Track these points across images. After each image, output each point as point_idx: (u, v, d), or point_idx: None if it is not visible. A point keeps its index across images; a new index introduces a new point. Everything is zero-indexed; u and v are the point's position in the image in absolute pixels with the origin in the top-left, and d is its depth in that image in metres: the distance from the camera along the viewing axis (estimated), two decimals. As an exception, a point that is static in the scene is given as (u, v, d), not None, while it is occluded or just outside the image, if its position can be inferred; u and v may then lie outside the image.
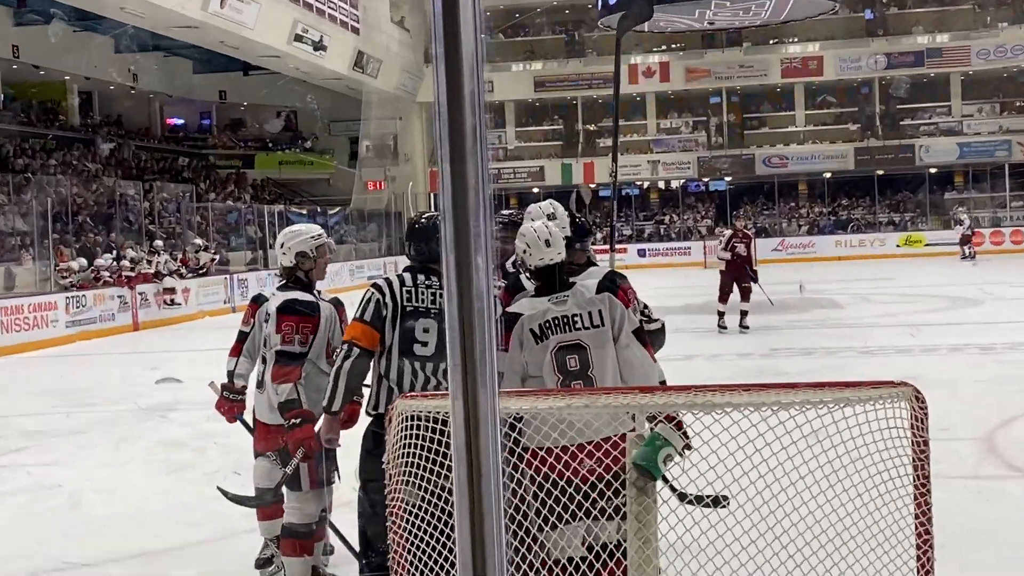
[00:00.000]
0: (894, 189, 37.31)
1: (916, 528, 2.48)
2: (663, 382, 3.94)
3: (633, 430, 3.24)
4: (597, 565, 3.20)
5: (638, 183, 38.75)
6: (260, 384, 4.80)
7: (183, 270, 22.25)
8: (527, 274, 3.95)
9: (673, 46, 37.61)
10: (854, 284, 22.61)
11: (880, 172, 36.72)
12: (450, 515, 2.66)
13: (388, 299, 4.03)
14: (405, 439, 2.84)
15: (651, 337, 4.18)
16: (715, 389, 2.61)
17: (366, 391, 4.25)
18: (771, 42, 36.91)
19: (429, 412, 2.81)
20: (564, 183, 36.41)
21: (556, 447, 3.18)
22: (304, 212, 31.81)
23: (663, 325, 4.67)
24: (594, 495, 3.09)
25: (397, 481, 2.82)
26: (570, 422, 3.05)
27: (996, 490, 6.13)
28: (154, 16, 23.62)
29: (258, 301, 5.04)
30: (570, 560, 3.15)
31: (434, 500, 2.79)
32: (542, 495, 3.20)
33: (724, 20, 16.10)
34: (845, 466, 2.55)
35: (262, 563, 5.13)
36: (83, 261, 20.31)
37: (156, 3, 22.64)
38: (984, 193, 36.67)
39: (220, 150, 37.09)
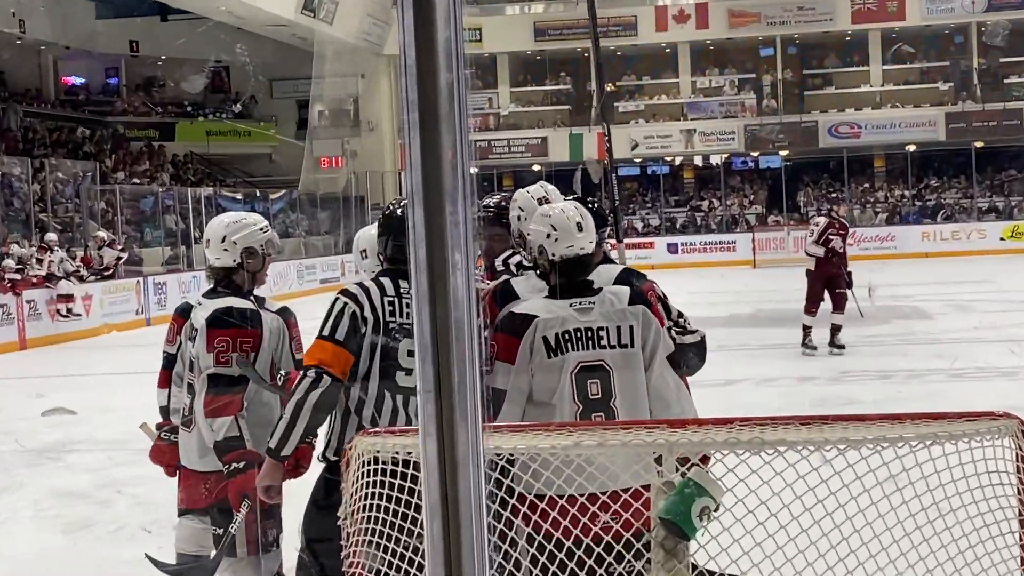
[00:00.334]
0: (996, 166, 37.39)
1: (1023, 600, 2.48)
2: (696, 422, 3.95)
3: (660, 476, 3.24)
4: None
5: (668, 159, 38.82)
6: (187, 420, 4.80)
7: (83, 271, 22.23)
8: (538, 271, 3.96)
9: (712, -17, 37.78)
10: (945, 288, 22.65)
11: (979, 144, 36.79)
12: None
13: (367, 312, 4.04)
14: (366, 488, 2.83)
15: (687, 353, 4.20)
16: (765, 423, 2.61)
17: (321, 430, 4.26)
18: (838, -23, 37.11)
19: (397, 453, 2.81)
20: (573, 159, 36.51)
21: (561, 497, 3.18)
22: (239, 197, 31.83)
23: (703, 338, 4.69)
24: (609, 559, 3.09)
25: (356, 541, 2.81)
26: (579, 466, 3.04)
27: None
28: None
29: (184, 313, 5.03)
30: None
31: (403, 565, 2.79)
32: (542, 559, 3.20)
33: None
34: (932, 521, 2.55)
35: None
36: (-47, 260, 20.30)
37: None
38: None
39: (131, 117, 37.11)
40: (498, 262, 4.83)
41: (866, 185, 38.08)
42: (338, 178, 36.47)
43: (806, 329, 14.19)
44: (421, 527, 1.09)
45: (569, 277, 3.87)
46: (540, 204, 4.35)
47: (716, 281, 26.50)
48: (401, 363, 4.04)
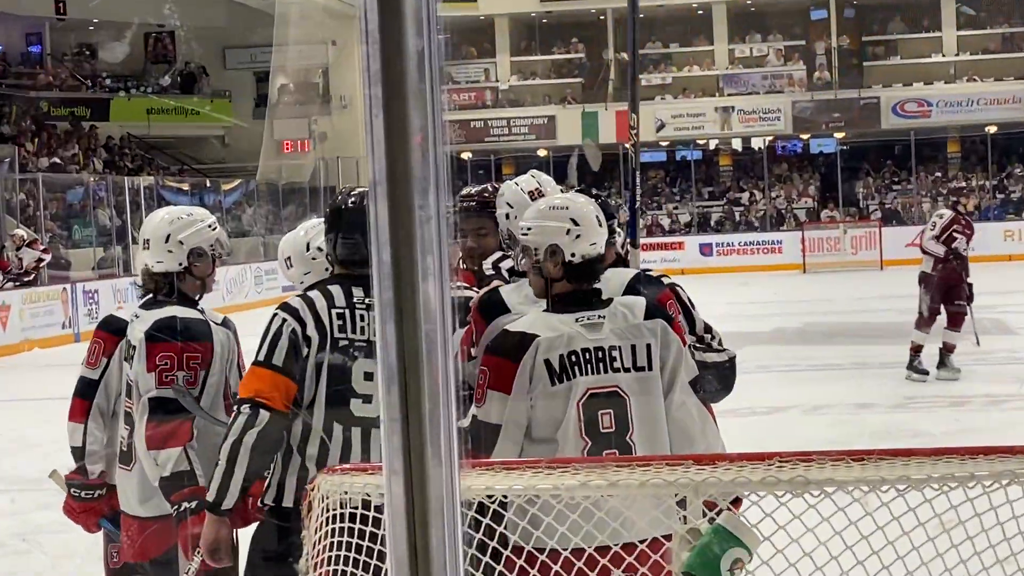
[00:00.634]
0: (1095, 151, 37.41)
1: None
2: (723, 454, 3.94)
3: (684, 522, 3.24)
4: None
5: (700, 142, 38.85)
6: (125, 456, 4.79)
7: (-2, 277, 22.24)
8: (546, 273, 3.92)
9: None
10: (1033, 297, 22.61)
11: (1074, 125, 36.80)
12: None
13: (311, 329, 4.03)
14: (332, 536, 2.84)
15: (705, 376, 4.20)
16: (810, 458, 2.61)
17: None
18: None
19: (369, 495, 2.81)
20: (586, 139, 36.42)
21: (565, 549, 3.18)
22: (186, 187, 31.86)
23: (732, 360, 4.69)
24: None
25: (320, 600, 2.82)
26: (587, 511, 3.04)
27: None
28: None
29: (111, 328, 5.03)
30: None
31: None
32: (543, 623, 3.20)
33: None
34: (1011, 575, 2.55)
35: None
36: None
37: None
38: None
39: (56, 92, 37.11)
40: (487, 265, 4.82)
41: (937, 174, 38.07)
42: (304, 165, 36.49)
43: (916, 348, 13.63)
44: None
45: (581, 284, 3.87)
46: (533, 199, 4.33)
47: (758, 289, 26.50)
48: (356, 388, 4.03)
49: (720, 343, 4.70)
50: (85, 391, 4.99)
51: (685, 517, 3.12)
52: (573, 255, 3.85)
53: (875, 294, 23.71)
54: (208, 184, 33.30)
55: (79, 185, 29.97)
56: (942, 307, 13.68)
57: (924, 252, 13.90)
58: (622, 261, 4.61)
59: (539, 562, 3.22)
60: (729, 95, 38.29)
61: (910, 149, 36.97)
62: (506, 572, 3.14)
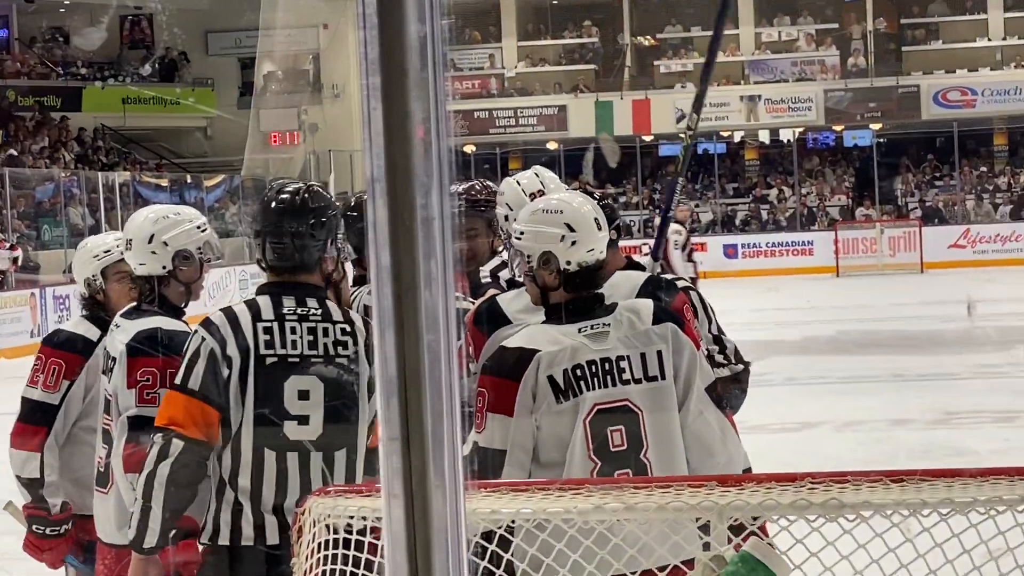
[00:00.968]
0: None
1: None
2: (747, 472, 3.93)
3: (706, 548, 3.24)
4: None
5: (724, 134, 38.82)
6: (102, 477, 4.80)
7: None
8: (540, 281, 3.91)
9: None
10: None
11: None
12: None
13: (231, 347, 4.00)
14: (325, 563, 2.84)
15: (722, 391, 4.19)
16: (844, 479, 2.61)
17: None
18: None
19: (365, 519, 2.81)
20: (600, 133, 36.43)
21: (578, 578, 3.18)
22: (165, 184, 31.86)
23: (744, 372, 4.69)
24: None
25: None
26: (601, 536, 3.04)
27: None
28: None
29: (73, 347, 5.05)
30: None
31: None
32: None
33: None
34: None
35: None
36: None
37: None
38: None
39: (24, 80, 37.15)
40: (484, 272, 4.82)
41: (983, 169, 38.05)
42: (293, 159, 36.50)
43: None
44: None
45: (579, 291, 3.85)
46: (534, 200, 4.31)
47: (787, 294, 26.45)
48: (290, 409, 3.99)
49: (730, 355, 4.70)
50: (40, 417, 5.02)
51: (708, 543, 3.11)
52: (569, 263, 3.83)
53: (914, 300, 23.70)
54: (189, 180, 33.32)
55: (48, 181, 29.98)
56: None
57: None
58: (634, 266, 4.58)
59: (550, 592, 3.22)
60: (756, 83, 38.29)
61: (953, 142, 36.91)
62: (513, 603, 3.14)
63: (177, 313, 4.75)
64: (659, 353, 3.82)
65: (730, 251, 34.89)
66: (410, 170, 1.06)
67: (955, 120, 36.87)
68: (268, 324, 4.02)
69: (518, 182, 4.63)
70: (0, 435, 5.57)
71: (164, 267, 4.71)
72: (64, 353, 5.06)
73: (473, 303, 4.38)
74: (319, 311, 4.04)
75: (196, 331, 4.08)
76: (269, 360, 4.00)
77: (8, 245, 24.48)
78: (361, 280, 4.96)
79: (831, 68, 38.35)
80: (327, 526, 2.83)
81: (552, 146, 36.43)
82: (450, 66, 1.10)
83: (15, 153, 31.71)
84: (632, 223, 36.68)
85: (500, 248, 4.94)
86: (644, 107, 37.54)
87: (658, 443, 3.78)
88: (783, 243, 35.27)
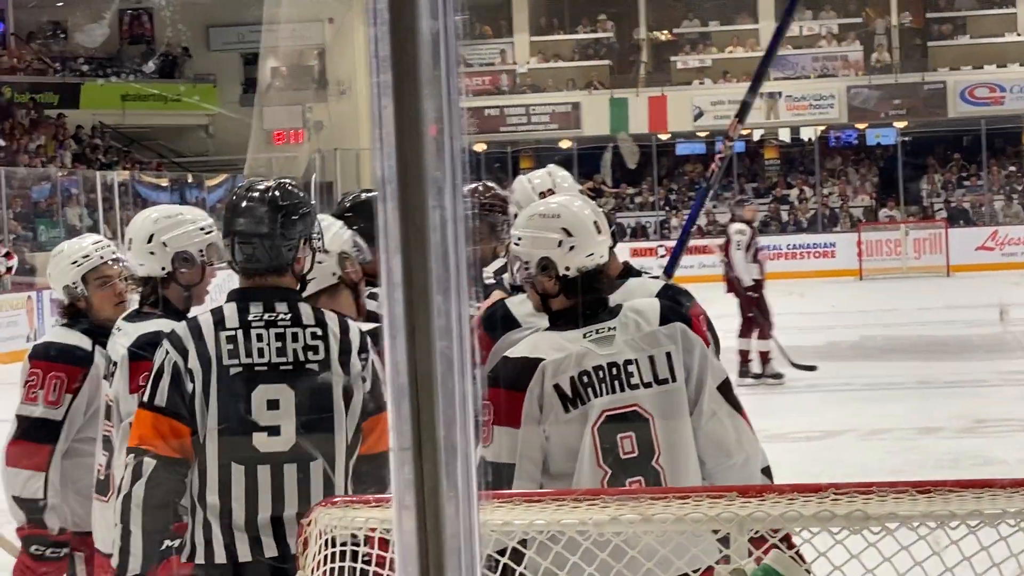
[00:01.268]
0: None
1: None
2: (767, 471, 3.92)
3: (726, 561, 3.23)
4: None
5: (743, 132, 38.70)
6: (102, 485, 4.80)
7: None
8: (540, 287, 3.91)
9: None
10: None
11: None
12: None
13: (192, 359, 3.96)
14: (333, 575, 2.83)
15: None
16: (869, 490, 2.61)
17: None
18: None
19: (373, 530, 2.81)
20: (615, 131, 36.45)
21: (593, 591, 3.17)
22: (165, 183, 31.90)
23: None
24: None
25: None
26: (617, 548, 3.04)
27: None
28: None
29: (71, 358, 5.05)
30: None
31: None
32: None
33: None
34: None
35: None
36: None
37: None
38: None
39: (21, 76, 37.21)
40: (487, 272, 4.82)
41: (1011, 168, 37.97)
42: (298, 158, 36.50)
43: None
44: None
45: (577, 298, 3.83)
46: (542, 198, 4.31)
47: (808, 298, 26.40)
48: (258, 420, 3.94)
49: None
50: (45, 435, 5.02)
51: (728, 557, 3.11)
52: (568, 269, 3.82)
53: (940, 304, 23.67)
54: (190, 179, 33.37)
55: (45, 180, 30.00)
56: None
57: None
58: (631, 270, 4.55)
59: (563, 607, 3.21)
60: (776, 79, 38.17)
61: (980, 140, 36.85)
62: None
63: (181, 316, 4.75)
64: (668, 355, 3.82)
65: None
66: (422, 170, 1.06)
67: (983, 117, 36.80)
68: (232, 333, 3.96)
69: (530, 180, 4.62)
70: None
71: (163, 268, 4.72)
72: (64, 366, 5.06)
73: (479, 307, 4.37)
74: (288, 315, 3.98)
75: (161, 344, 4.05)
76: (233, 370, 3.94)
77: (4, 252, 23.90)
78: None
79: (854, 64, 38.31)
80: (333, 538, 2.83)
81: (565, 145, 36.41)
82: (460, 62, 1.10)
83: (11, 151, 31.72)
84: (648, 224, 36.70)
85: (502, 253, 4.94)
86: (660, 104, 37.51)
87: (670, 449, 3.78)
88: (804, 245, 35.21)
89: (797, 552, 3.01)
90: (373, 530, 2.79)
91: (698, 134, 38.17)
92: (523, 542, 3.12)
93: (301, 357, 3.97)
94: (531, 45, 39.60)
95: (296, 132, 37.07)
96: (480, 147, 35.43)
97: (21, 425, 5.07)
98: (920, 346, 16.29)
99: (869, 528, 2.55)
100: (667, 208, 37.13)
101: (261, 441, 3.94)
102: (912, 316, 22.27)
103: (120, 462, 4.59)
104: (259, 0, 34.63)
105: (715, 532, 3.00)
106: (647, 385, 3.79)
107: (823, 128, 38.26)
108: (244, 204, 4.07)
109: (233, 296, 4.07)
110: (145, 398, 4.00)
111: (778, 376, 14.85)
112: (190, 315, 4.85)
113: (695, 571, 3.29)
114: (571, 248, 3.83)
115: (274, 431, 3.93)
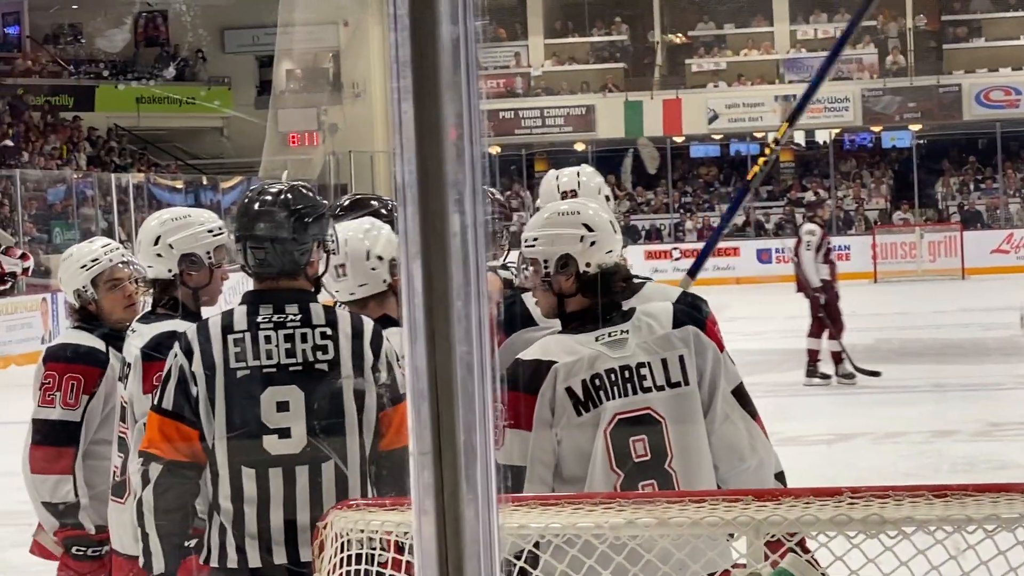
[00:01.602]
0: None
1: None
2: (780, 476, 3.92)
3: (741, 566, 3.23)
4: None
5: (758, 135, 38.74)
6: (119, 487, 4.81)
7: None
8: (557, 287, 3.91)
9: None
10: None
11: None
12: None
13: (196, 364, 3.96)
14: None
15: None
16: (885, 494, 2.60)
17: None
18: None
19: (389, 533, 2.81)
20: (630, 134, 36.43)
21: (609, 595, 3.17)
22: (180, 186, 31.91)
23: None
24: None
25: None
26: (633, 552, 3.04)
27: None
28: None
29: (88, 359, 5.06)
30: None
31: None
32: None
33: None
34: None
35: None
36: None
37: None
38: None
39: (36, 78, 37.26)
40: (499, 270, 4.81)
41: (1027, 171, 37.92)
42: (312, 160, 36.53)
43: None
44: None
45: (597, 298, 3.84)
46: (565, 199, 4.31)
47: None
48: (268, 423, 3.93)
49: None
50: (66, 437, 5.02)
51: (744, 560, 3.11)
52: (588, 265, 3.83)
53: (955, 307, 23.62)
54: (205, 181, 33.36)
55: (60, 183, 30.02)
56: None
57: None
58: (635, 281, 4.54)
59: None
60: (791, 82, 38.16)
61: (995, 143, 36.78)
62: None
63: (195, 317, 4.76)
64: (681, 358, 3.83)
65: (764, 256, 34.77)
66: (442, 175, 1.06)
67: (998, 121, 36.72)
68: (239, 335, 3.96)
69: (557, 178, 4.59)
70: (9, 442, 5.61)
71: (170, 270, 4.73)
72: (80, 367, 5.06)
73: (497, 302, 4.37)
74: (298, 317, 3.96)
75: (173, 347, 4.05)
76: (241, 373, 3.94)
77: (19, 253, 23.88)
78: None
79: (869, 67, 38.24)
80: (349, 541, 2.83)
81: (580, 147, 36.37)
82: (479, 63, 1.10)
83: (27, 155, 31.76)
84: (662, 227, 36.67)
85: (501, 257, 4.95)
86: (675, 107, 37.47)
87: (683, 452, 3.78)
88: (820, 248, 35.06)
89: (813, 556, 3.01)
90: (389, 534, 2.79)
91: (712, 137, 38.14)
92: (538, 545, 3.12)
93: (311, 357, 3.95)
94: (546, 48, 39.57)
95: (311, 134, 37.09)
96: (494, 150, 35.45)
97: (40, 430, 5.07)
98: (935, 349, 16.25)
99: (886, 532, 2.55)
100: (681, 211, 37.10)
101: (272, 443, 3.93)
102: (927, 319, 22.22)
103: (135, 463, 4.61)
104: (274, 2, 34.71)
105: (733, 536, 3.00)
106: (660, 388, 3.80)
107: (838, 131, 38.21)
108: (256, 207, 4.06)
109: (245, 299, 4.07)
110: (155, 401, 4.02)
111: (850, 376, 14.72)
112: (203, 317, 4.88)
113: (711, 575, 3.28)
114: (592, 244, 3.84)
115: (284, 433, 3.92)
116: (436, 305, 1.04)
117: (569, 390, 3.76)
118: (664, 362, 3.81)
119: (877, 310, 24.17)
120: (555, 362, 3.78)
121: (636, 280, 4.33)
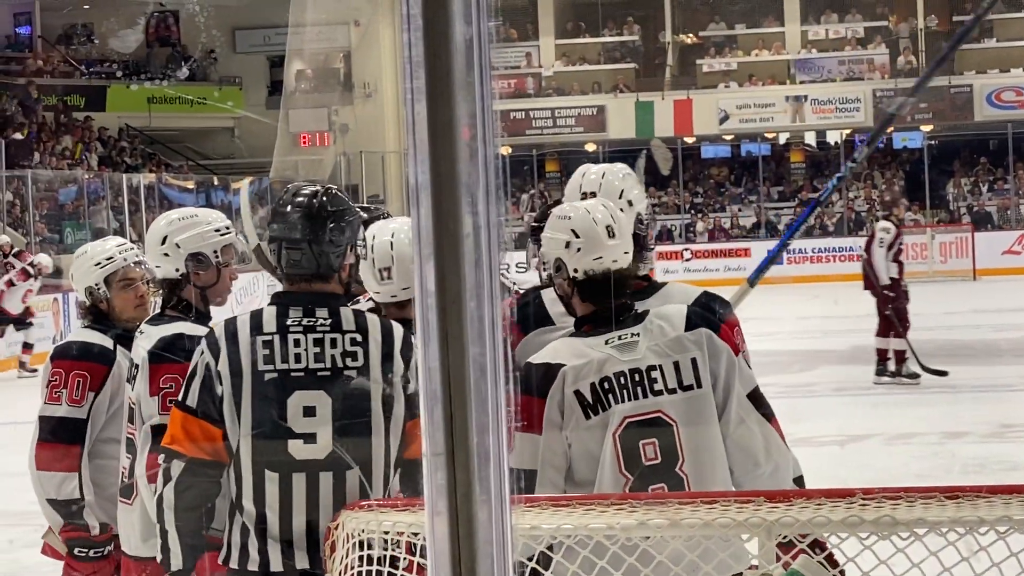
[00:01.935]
0: None
1: None
2: (799, 480, 3.91)
3: (755, 568, 3.23)
4: None
5: (769, 136, 38.78)
6: (126, 489, 4.81)
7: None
8: (558, 289, 3.91)
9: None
10: None
11: None
12: None
13: (222, 363, 3.95)
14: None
15: None
16: (898, 495, 2.60)
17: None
18: None
19: (401, 533, 2.81)
20: (641, 135, 36.39)
21: (621, 596, 3.16)
22: (191, 186, 31.95)
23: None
24: None
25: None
26: (645, 553, 3.03)
27: None
28: None
29: (94, 356, 5.06)
30: None
31: None
32: None
33: None
34: None
35: None
36: None
37: None
38: None
39: (47, 79, 37.29)
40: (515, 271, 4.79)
41: (1039, 172, 37.85)
42: (323, 161, 36.56)
43: None
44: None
45: (595, 301, 3.83)
46: (585, 199, 4.28)
47: (834, 302, 26.34)
48: (294, 427, 3.90)
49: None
50: (71, 434, 5.02)
51: (757, 562, 3.10)
52: (576, 271, 3.83)
53: (967, 308, 23.58)
54: (216, 182, 33.38)
55: (72, 183, 30.03)
56: None
57: None
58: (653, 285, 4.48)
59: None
60: (802, 83, 38.16)
61: (1007, 144, 36.71)
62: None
63: (203, 318, 4.76)
64: (693, 360, 3.82)
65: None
66: (456, 175, 1.05)
67: (1010, 121, 36.67)
68: (268, 338, 3.94)
69: (583, 175, 4.54)
70: (20, 442, 5.60)
71: (177, 270, 4.73)
72: (87, 364, 5.07)
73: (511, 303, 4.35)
74: (328, 321, 3.94)
75: (199, 343, 4.05)
76: (268, 376, 3.92)
77: (28, 261, 22.78)
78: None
79: (880, 67, 38.20)
80: (361, 541, 2.82)
81: (591, 148, 36.30)
82: (491, 64, 1.10)
83: (38, 155, 31.78)
84: (673, 228, 36.63)
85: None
86: (686, 107, 37.45)
87: (694, 455, 3.77)
88: (830, 248, 35.09)
89: (826, 557, 3.00)
90: (400, 534, 2.79)
91: (724, 137, 38.11)
92: (550, 546, 3.12)
93: (339, 363, 3.93)
94: (557, 48, 39.57)
95: (322, 135, 37.09)
96: (506, 150, 35.38)
97: (46, 427, 5.07)
98: (946, 350, 16.20)
99: (898, 533, 2.54)
100: (692, 212, 37.08)
101: (296, 448, 3.91)
102: (938, 320, 22.13)
103: (142, 464, 4.61)
104: (285, 3, 34.72)
105: (745, 537, 2.99)
106: (671, 391, 3.79)
107: (849, 131, 38.15)
108: (292, 210, 4.03)
109: (275, 300, 4.06)
110: (180, 397, 4.00)
111: (914, 376, 14.63)
112: (221, 317, 4.87)
113: (722, 576, 3.28)
114: (578, 250, 3.83)
115: (310, 438, 3.90)
116: (449, 306, 1.04)
117: (578, 393, 3.76)
118: (676, 365, 3.80)
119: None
120: (564, 365, 3.78)
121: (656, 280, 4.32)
